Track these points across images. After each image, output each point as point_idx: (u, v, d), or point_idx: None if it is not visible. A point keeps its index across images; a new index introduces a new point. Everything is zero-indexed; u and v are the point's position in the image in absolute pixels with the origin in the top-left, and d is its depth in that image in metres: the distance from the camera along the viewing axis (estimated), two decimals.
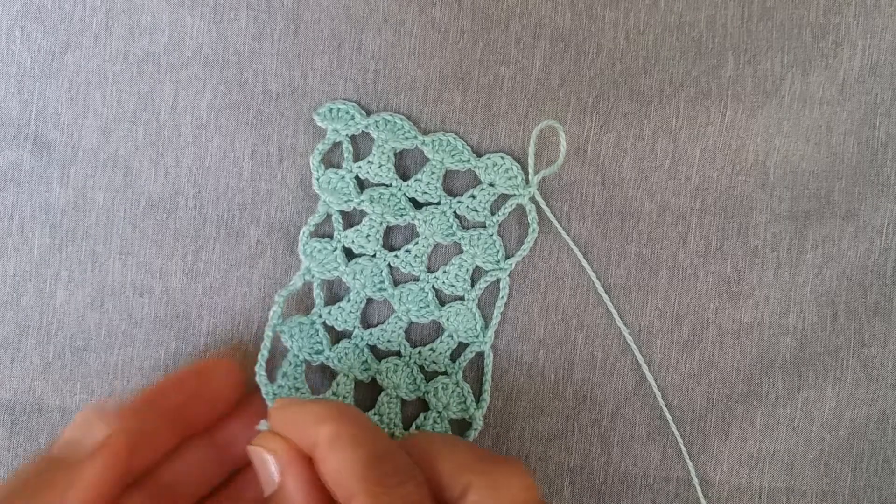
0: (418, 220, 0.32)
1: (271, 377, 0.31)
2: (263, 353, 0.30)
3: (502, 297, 0.32)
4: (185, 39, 0.33)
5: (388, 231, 0.33)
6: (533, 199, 0.32)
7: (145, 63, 0.33)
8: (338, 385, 0.31)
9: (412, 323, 0.33)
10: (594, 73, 0.33)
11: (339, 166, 0.33)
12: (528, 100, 0.33)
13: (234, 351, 0.32)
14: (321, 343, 0.32)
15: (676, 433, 0.33)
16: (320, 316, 0.32)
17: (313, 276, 0.32)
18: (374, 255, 0.32)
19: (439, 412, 0.32)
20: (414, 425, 0.32)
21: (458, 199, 0.33)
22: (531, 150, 0.32)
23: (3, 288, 0.33)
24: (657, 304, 0.33)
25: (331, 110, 0.32)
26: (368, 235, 0.32)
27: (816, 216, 0.33)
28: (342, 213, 0.32)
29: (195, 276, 0.33)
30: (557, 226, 0.33)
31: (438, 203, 0.32)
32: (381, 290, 0.32)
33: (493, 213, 0.33)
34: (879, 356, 0.33)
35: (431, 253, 0.33)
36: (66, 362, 0.33)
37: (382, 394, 0.32)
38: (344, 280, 0.32)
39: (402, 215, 0.32)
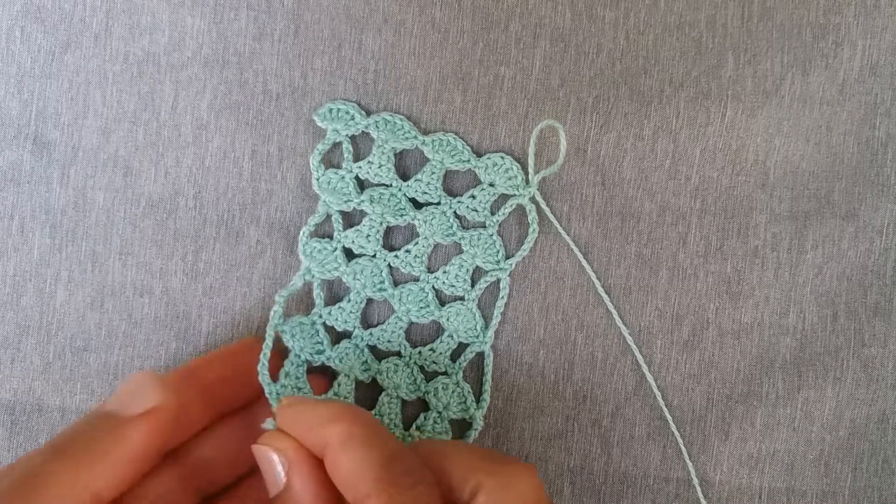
0: (418, 220, 0.32)
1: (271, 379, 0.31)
2: (265, 353, 0.30)
3: (502, 297, 0.32)
4: (185, 39, 0.33)
5: (389, 231, 0.33)
6: (533, 199, 0.32)
7: (145, 63, 0.33)
8: (339, 385, 0.31)
9: (412, 323, 0.33)
10: (594, 73, 0.33)
11: (339, 166, 0.33)
12: (528, 100, 0.33)
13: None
14: (322, 343, 0.32)
15: (676, 433, 0.33)
16: (320, 316, 0.32)
17: (313, 277, 0.32)
18: (374, 256, 0.32)
19: (439, 412, 0.32)
20: (414, 426, 0.32)
21: (458, 199, 0.33)
22: (531, 150, 0.32)
23: (3, 288, 0.33)
24: (657, 304, 0.33)
25: (331, 111, 0.32)
26: (368, 235, 0.32)
27: (816, 216, 0.33)
28: (342, 213, 0.32)
29: (195, 276, 0.33)
30: (557, 226, 0.33)
31: (438, 203, 0.32)
32: (381, 290, 0.32)
33: (493, 213, 0.33)
34: (879, 356, 0.33)
35: (431, 253, 0.33)
36: (66, 362, 0.33)
37: (383, 394, 0.32)
38: (344, 280, 0.32)
39: (402, 215, 0.32)
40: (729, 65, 0.33)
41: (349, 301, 0.32)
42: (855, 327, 0.33)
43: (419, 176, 0.32)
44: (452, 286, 0.32)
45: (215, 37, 0.33)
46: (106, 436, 0.26)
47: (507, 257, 0.33)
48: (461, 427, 0.32)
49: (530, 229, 0.32)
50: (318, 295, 0.32)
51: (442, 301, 0.33)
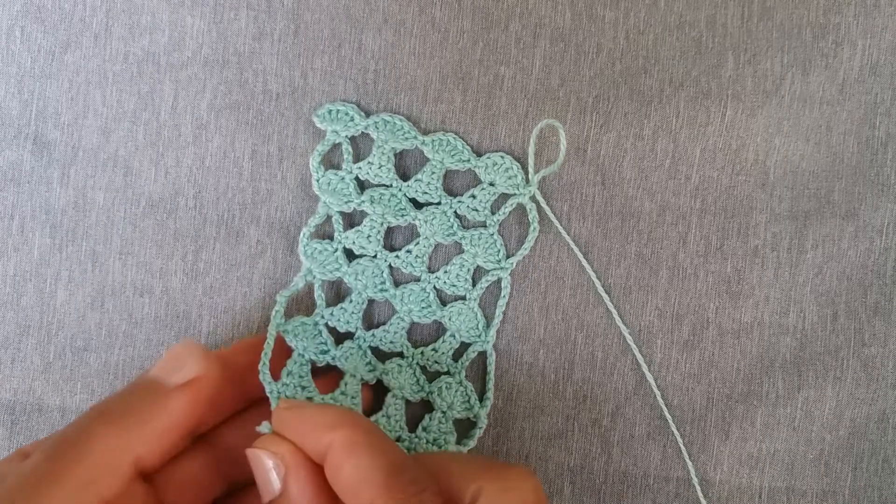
0: (419, 220, 0.32)
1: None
2: (266, 353, 0.30)
3: (504, 296, 0.32)
4: (185, 39, 0.33)
5: (389, 231, 0.33)
6: (533, 199, 0.32)
7: (145, 63, 0.33)
8: (346, 385, 0.31)
9: (414, 323, 0.33)
10: (594, 73, 0.33)
11: (339, 167, 0.33)
12: (528, 100, 0.33)
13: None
14: (326, 343, 0.32)
15: (676, 433, 0.33)
16: (322, 317, 0.32)
17: (314, 278, 0.32)
18: (374, 256, 0.32)
19: (444, 412, 0.32)
20: (420, 427, 0.32)
21: (458, 198, 0.33)
22: (531, 149, 0.32)
23: (3, 288, 0.33)
24: (657, 303, 0.33)
25: (330, 112, 0.32)
26: (369, 236, 0.32)
27: (816, 216, 0.33)
28: (342, 213, 0.32)
29: (195, 276, 0.33)
30: (558, 225, 0.33)
31: (439, 203, 0.32)
32: (382, 290, 0.32)
33: (493, 213, 0.33)
34: (879, 356, 0.33)
35: (432, 253, 0.33)
36: (66, 362, 0.33)
37: (389, 395, 0.32)
38: (345, 281, 0.32)
39: (402, 216, 0.32)
40: (729, 64, 0.33)
41: (351, 302, 0.32)
42: (855, 327, 0.33)
43: (419, 176, 0.32)
44: (454, 286, 0.32)
45: (215, 37, 0.33)
46: (149, 403, 0.26)
47: (508, 256, 0.33)
48: (465, 427, 0.32)
49: (531, 228, 0.32)
50: (319, 296, 0.32)
51: (443, 301, 0.33)
